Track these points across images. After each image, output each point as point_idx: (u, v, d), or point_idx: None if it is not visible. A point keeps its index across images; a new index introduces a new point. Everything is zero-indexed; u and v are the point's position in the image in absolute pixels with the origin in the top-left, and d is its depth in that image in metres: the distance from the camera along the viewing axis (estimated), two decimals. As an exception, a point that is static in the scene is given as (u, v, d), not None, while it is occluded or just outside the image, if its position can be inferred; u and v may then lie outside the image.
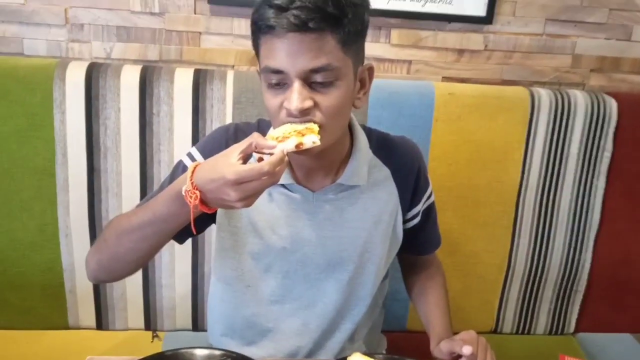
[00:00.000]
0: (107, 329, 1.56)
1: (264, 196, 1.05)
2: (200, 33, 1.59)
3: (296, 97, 0.89)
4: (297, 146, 0.86)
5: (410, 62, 1.68)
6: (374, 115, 1.49)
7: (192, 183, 0.86)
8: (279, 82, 0.91)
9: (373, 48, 1.64)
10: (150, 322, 1.57)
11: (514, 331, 1.73)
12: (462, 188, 1.57)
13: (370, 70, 1.02)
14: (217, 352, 1.03)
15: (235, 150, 0.86)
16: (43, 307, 1.52)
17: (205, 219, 1.07)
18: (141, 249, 1.00)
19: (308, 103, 0.90)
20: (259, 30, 0.91)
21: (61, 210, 1.47)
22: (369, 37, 0.98)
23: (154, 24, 1.57)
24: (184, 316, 1.57)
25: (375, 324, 1.27)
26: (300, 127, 0.90)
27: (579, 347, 1.67)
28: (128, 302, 1.55)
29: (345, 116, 0.99)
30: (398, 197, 1.14)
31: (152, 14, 1.56)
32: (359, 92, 1.01)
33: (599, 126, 1.58)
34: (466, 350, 0.98)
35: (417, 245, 1.25)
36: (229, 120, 1.46)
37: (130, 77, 1.44)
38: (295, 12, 0.86)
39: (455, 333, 1.07)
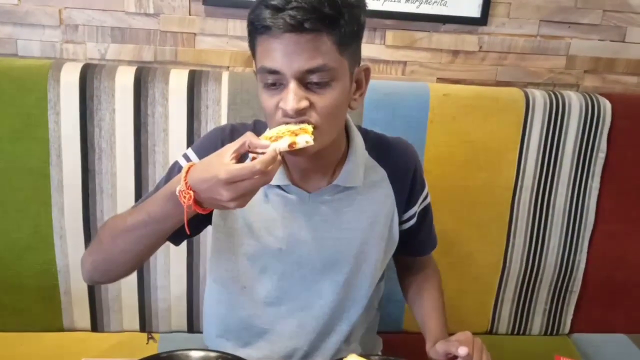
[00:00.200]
0: (102, 330, 1.56)
1: (259, 197, 1.05)
2: (195, 34, 1.59)
3: (292, 97, 0.89)
4: (290, 145, 0.86)
5: (405, 63, 1.68)
6: (369, 116, 1.49)
7: (186, 183, 0.86)
8: (275, 82, 0.91)
9: (368, 49, 1.64)
10: (145, 324, 1.57)
11: (509, 332, 1.73)
12: (457, 189, 1.57)
13: (367, 71, 1.02)
14: (213, 354, 1.03)
15: (228, 150, 0.85)
16: (37, 309, 1.51)
17: (201, 221, 1.07)
18: (136, 250, 1.00)
19: (304, 103, 0.90)
20: (256, 31, 0.91)
21: (56, 211, 1.46)
22: (363, 38, 0.98)
23: (149, 25, 1.57)
24: (179, 318, 1.57)
25: (371, 326, 1.27)
26: (294, 127, 0.90)
27: (574, 348, 1.68)
28: (123, 303, 1.54)
29: (341, 117, 0.99)
30: (394, 199, 1.14)
31: (146, 15, 1.56)
32: (355, 93, 1.01)
33: (594, 127, 1.59)
34: (462, 351, 0.98)
35: (413, 247, 1.25)
36: (224, 121, 1.46)
37: (124, 78, 1.43)
38: (291, 12, 0.86)
39: (451, 334, 1.07)
